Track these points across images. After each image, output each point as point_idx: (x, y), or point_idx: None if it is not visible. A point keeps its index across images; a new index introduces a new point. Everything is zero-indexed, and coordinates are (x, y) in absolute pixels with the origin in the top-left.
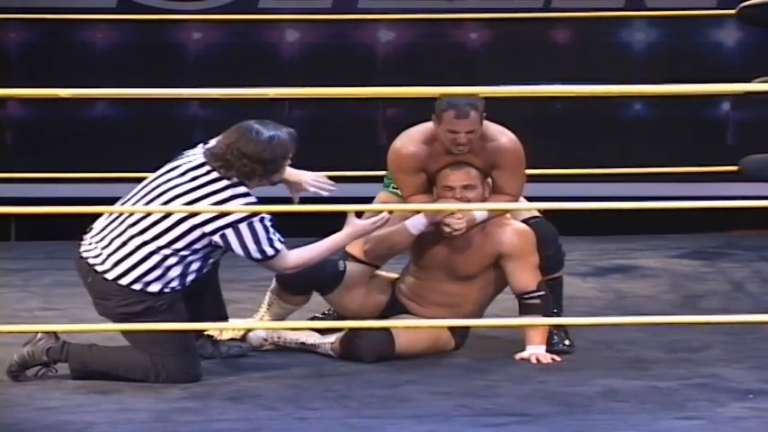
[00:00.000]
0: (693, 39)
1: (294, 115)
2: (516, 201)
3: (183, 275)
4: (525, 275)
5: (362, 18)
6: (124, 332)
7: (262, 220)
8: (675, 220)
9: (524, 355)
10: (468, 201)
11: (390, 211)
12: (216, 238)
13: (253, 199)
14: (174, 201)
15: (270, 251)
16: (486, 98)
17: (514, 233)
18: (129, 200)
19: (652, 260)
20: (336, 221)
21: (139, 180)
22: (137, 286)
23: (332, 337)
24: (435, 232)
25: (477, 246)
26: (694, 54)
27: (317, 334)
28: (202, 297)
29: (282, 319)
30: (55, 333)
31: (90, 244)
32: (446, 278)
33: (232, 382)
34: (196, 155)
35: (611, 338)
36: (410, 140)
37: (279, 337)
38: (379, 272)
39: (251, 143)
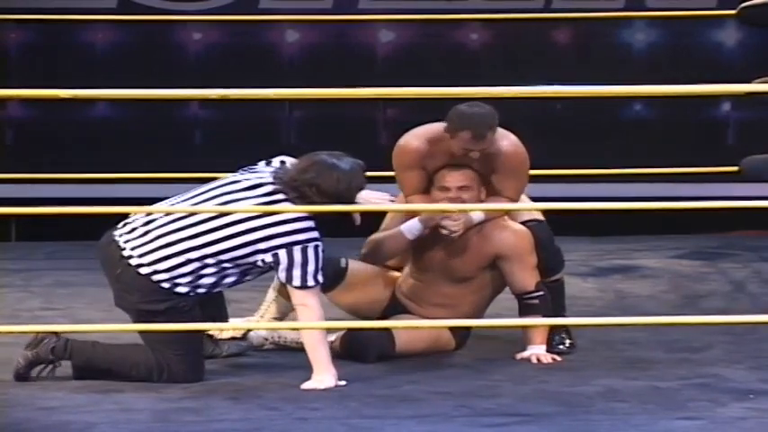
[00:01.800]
0: (694, 39)
1: (294, 115)
2: (515, 203)
3: (214, 284)
4: (524, 276)
5: (363, 18)
6: (139, 331)
7: (316, 248)
8: (676, 220)
9: (525, 354)
10: (463, 202)
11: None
12: (267, 257)
13: (315, 234)
14: (234, 223)
15: (311, 282)
16: (486, 98)
17: (512, 234)
18: (186, 201)
19: (652, 260)
20: (333, 221)
21: (138, 180)
22: (166, 285)
23: (332, 336)
24: (433, 235)
25: (475, 247)
26: (694, 54)
27: None
28: (204, 299)
29: (283, 316)
30: (55, 333)
31: (128, 235)
32: (444, 280)
33: (233, 382)
34: (265, 175)
35: (611, 339)
36: (414, 137)
37: (279, 337)
38: (380, 270)
39: (329, 180)
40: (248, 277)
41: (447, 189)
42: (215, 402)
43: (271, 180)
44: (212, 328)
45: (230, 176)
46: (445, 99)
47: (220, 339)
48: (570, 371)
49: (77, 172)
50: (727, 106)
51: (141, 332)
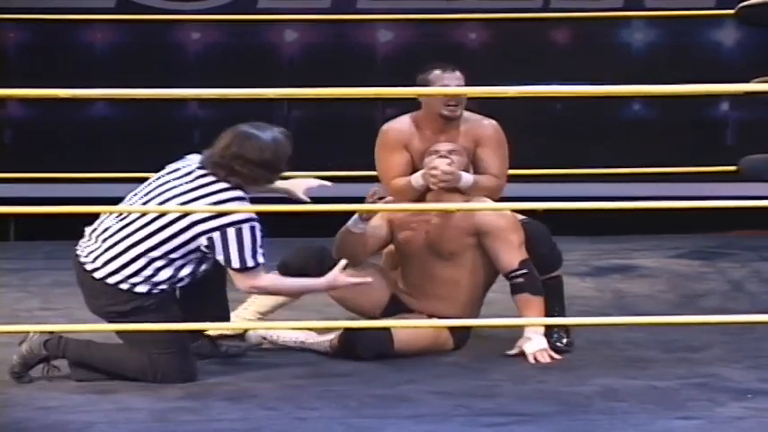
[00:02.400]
0: (692, 39)
1: (293, 115)
2: (501, 182)
3: (171, 278)
4: (507, 254)
5: (361, 18)
6: (118, 331)
7: (253, 228)
8: (674, 220)
9: (524, 348)
10: (452, 163)
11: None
12: (203, 240)
13: (247, 203)
14: (170, 202)
15: (250, 262)
16: (485, 98)
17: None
18: (129, 201)
19: (651, 260)
20: (333, 221)
21: (138, 180)
22: (124, 286)
23: (330, 335)
24: (414, 215)
25: (456, 221)
26: (693, 54)
27: (315, 333)
28: (206, 296)
29: (270, 310)
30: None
31: (84, 243)
32: (431, 259)
33: (231, 382)
34: (193, 162)
35: (610, 338)
36: (396, 121)
37: (278, 336)
38: (382, 270)
39: (253, 150)
40: (204, 266)
41: (437, 152)
42: (213, 402)
43: (198, 165)
44: (207, 328)
45: (169, 167)
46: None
47: (218, 340)
48: (569, 370)
49: (76, 171)
50: (725, 106)
51: (124, 335)
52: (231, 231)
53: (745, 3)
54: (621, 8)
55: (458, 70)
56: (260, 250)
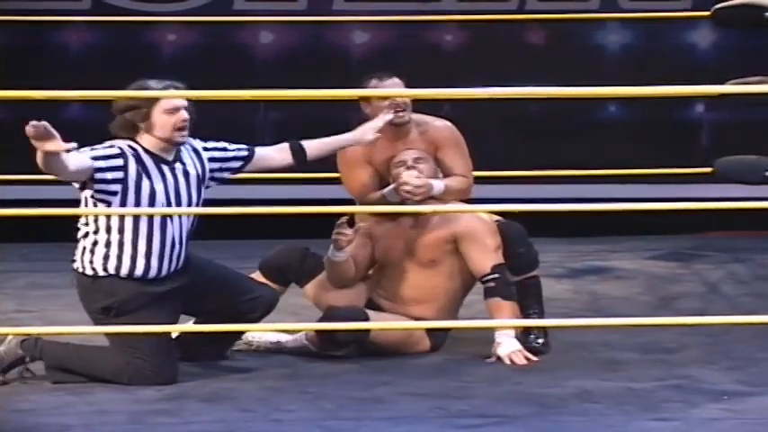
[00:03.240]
0: (668, 40)
1: (269, 116)
2: (469, 181)
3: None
4: (480, 258)
5: (337, 20)
6: (102, 332)
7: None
8: (650, 221)
9: (498, 352)
10: (421, 172)
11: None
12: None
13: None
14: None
15: (244, 147)
16: (461, 99)
17: (469, 215)
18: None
19: (627, 262)
20: (313, 223)
21: None
22: (88, 272)
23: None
24: (395, 224)
25: (433, 228)
26: (669, 56)
27: (290, 334)
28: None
29: None
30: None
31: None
32: (411, 267)
33: (207, 384)
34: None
35: (586, 340)
36: None
37: (253, 338)
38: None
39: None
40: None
41: (404, 162)
42: (190, 404)
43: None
44: (185, 330)
45: None
46: (420, 100)
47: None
48: (545, 372)
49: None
50: (701, 108)
51: (108, 336)
52: (209, 143)
53: (720, 4)
54: (597, 10)
55: (395, 76)
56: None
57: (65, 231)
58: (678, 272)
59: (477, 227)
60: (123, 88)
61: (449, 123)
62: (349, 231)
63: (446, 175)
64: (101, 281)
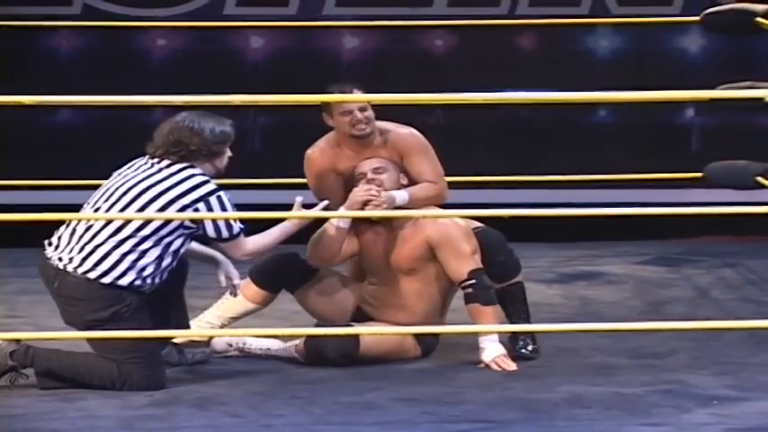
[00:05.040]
0: (658, 45)
1: (259, 121)
2: (439, 186)
3: (156, 270)
4: (457, 264)
5: (327, 25)
6: (89, 340)
7: (224, 195)
8: (640, 226)
9: (483, 358)
10: (381, 183)
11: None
12: (190, 212)
13: (207, 176)
14: (140, 195)
15: (236, 229)
16: (451, 104)
17: (443, 221)
18: (93, 205)
19: (617, 266)
20: (304, 228)
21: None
22: (106, 280)
23: (296, 340)
24: (373, 232)
25: (407, 236)
26: (659, 60)
27: (280, 340)
28: (167, 304)
29: (237, 316)
30: (17, 340)
31: (58, 249)
32: (393, 275)
33: (197, 389)
34: (143, 161)
35: (576, 345)
36: (316, 146)
37: (244, 344)
38: (348, 280)
39: (190, 131)
40: (182, 248)
41: (363, 174)
42: (179, 409)
43: (149, 157)
44: (178, 336)
45: (121, 170)
46: (410, 105)
47: (184, 346)
48: (535, 377)
49: (41, 178)
50: (691, 112)
51: (96, 344)
52: (213, 200)
53: (709, 10)
54: (587, 15)
55: (356, 89)
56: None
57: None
58: (668, 276)
59: (451, 232)
60: (113, 93)
61: (413, 130)
62: (381, 195)
63: (415, 182)
64: (112, 288)
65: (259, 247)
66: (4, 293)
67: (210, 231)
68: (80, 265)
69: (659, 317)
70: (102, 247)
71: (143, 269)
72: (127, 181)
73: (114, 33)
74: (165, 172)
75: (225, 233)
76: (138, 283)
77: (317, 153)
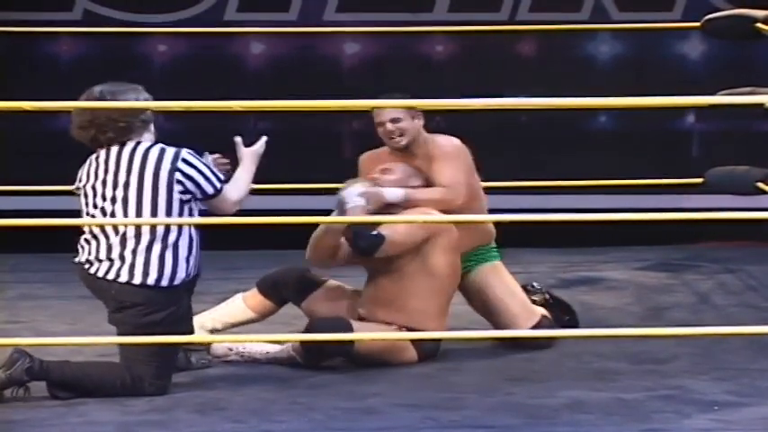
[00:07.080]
0: (658, 51)
1: (259, 127)
2: (450, 191)
3: (190, 250)
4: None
5: (328, 31)
6: (121, 346)
7: (197, 152)
8: (641, 231)
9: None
10: (382, 182)
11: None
12: (176, 184)
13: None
14: (129, 187)
15: (218, 184)
16: (452, 110)
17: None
18: (89, 202)
19: (618, 272)
20: (302, 234)
21: None
22: (164, 282)
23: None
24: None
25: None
26: (659, 66)
27: (279, 344)
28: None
29: (236, 323)
30: (27, 353)
31: (99, 260)
32: (375, 272)
33: (197, 394)
34: (103, 153)
35: (577, 350)
36: (372, 151)
37: (244, 348)
38: (355, 292)
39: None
40: (195, 212)
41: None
42: (180, 415)
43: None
44: (187, 341)
45: (91, 167)
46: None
47: (190, 352)
48: (536, 382)
49: (41, 184)
50: (691, 118)
51: (121, 350)
52: (189, 157)
53: (710, 15)
54: (587, 21)
55: (400, 96)
56: (214, 169)
57: (54, 242)
58: (669, 282)
59: (440, 227)
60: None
61: (453, 139)
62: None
63: (430, 185)
64: (161, 290)
65: (240, 191)
66: (5, 299)
67: (209, 189)
68: (131, 275)
69: (660, 322)
70: (143, 253)
71: (186, 259)
72: (110, 179)
73: (115, 39)
74: (130, 154)
75: (217, 185)
76: (183, 275)
77: (366, 157)
